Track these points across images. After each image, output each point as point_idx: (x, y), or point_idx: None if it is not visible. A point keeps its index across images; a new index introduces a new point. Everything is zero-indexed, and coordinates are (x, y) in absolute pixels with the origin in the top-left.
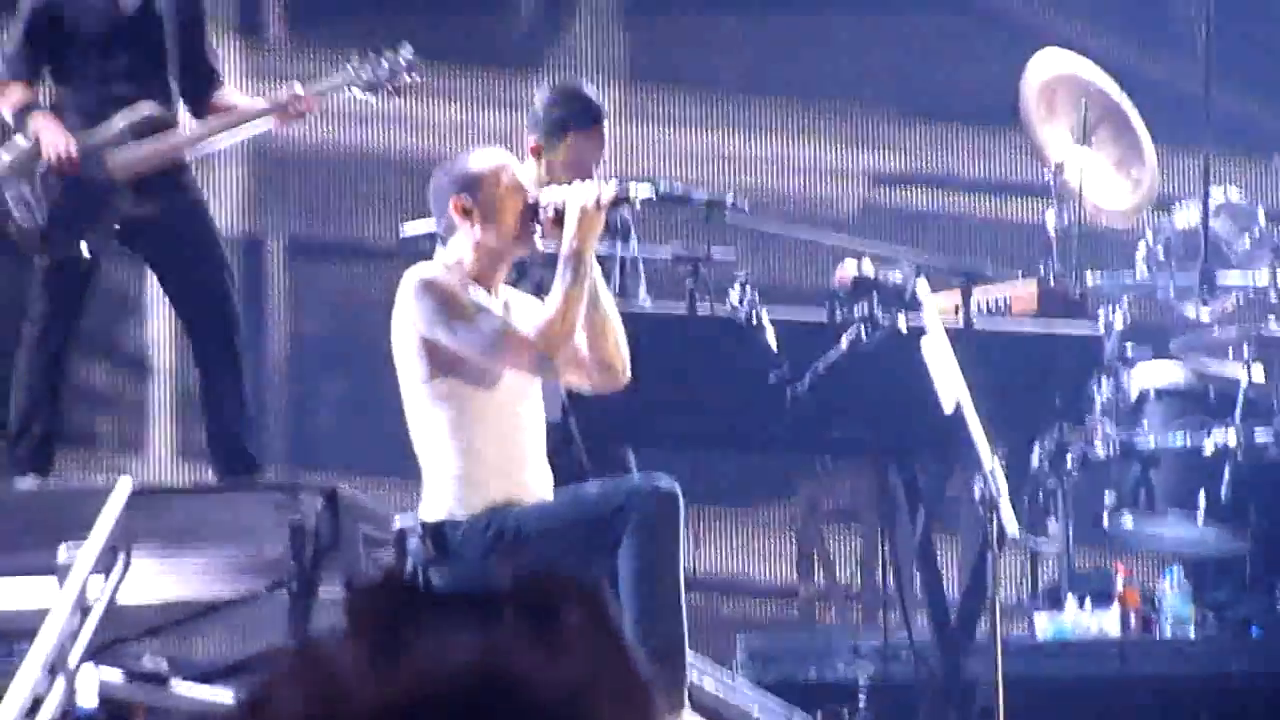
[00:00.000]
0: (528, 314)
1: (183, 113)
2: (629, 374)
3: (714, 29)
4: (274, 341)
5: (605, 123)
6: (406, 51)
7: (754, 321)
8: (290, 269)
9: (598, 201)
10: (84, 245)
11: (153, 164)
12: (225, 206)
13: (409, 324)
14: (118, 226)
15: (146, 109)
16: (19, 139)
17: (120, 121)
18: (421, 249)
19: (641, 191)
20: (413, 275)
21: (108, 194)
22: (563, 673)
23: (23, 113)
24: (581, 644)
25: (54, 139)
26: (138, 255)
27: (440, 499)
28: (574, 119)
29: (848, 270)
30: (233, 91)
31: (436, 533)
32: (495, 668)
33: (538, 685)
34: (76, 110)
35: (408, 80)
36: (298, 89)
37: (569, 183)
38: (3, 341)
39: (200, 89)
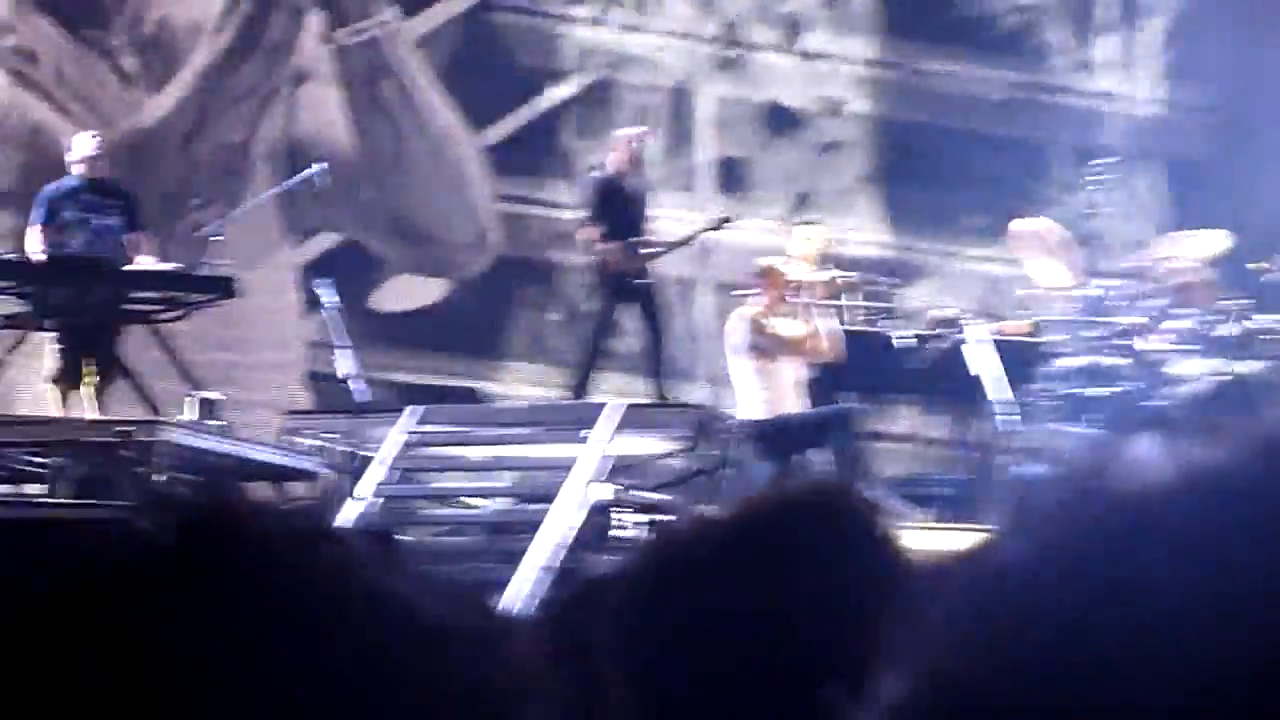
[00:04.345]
0: (799, 326)
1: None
2: (840, 356)
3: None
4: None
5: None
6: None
7: (897, 335)
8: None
9: (824, 282)
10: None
11: (643, 262)
12: None
13: (745, 323)
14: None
15: (643, 243)
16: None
17: (637, 248)
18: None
19: (843, 274)
20: (747, 308)
21: (636, 277)
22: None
23: (592, 241)
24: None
25: (615, 255)
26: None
27: (750, 412)
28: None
29: (933, 314)
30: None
31: (750, 430)
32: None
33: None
34: (612, 237)
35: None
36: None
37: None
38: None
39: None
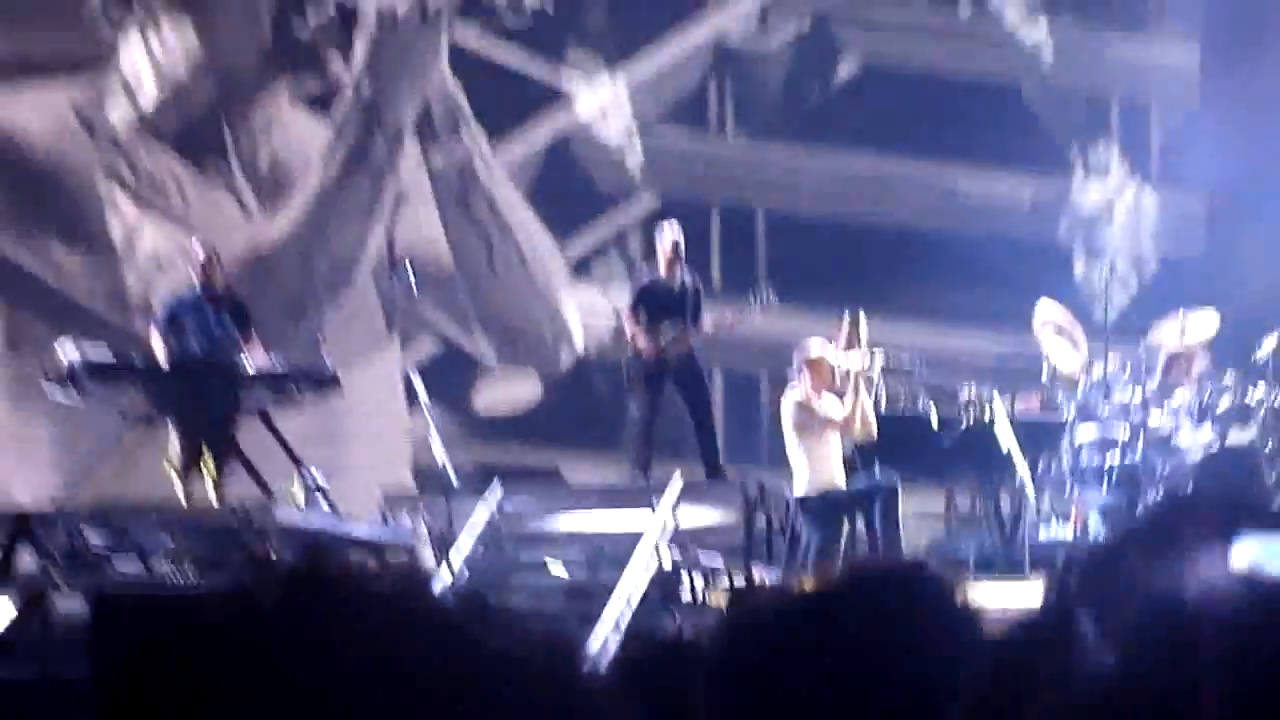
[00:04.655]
0: (841, 406)
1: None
2: (875, 434)
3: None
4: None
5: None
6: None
7: (928, 415)
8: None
9: (862, 368)
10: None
11: (684, 347)
12: None
13: (792, 405)
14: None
15: (679, 329)
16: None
17: (671, 333)
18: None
19: (880, 361)
20: (794, 392)
21: (670, 358)
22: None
23: (634, 336)
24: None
25: (646, 343)
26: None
27: (800, 485)
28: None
29: (964, 394)
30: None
31: (801, 501)
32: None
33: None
34: (649, 326)
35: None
36: (727, 316)
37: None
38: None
39: (698, 318)
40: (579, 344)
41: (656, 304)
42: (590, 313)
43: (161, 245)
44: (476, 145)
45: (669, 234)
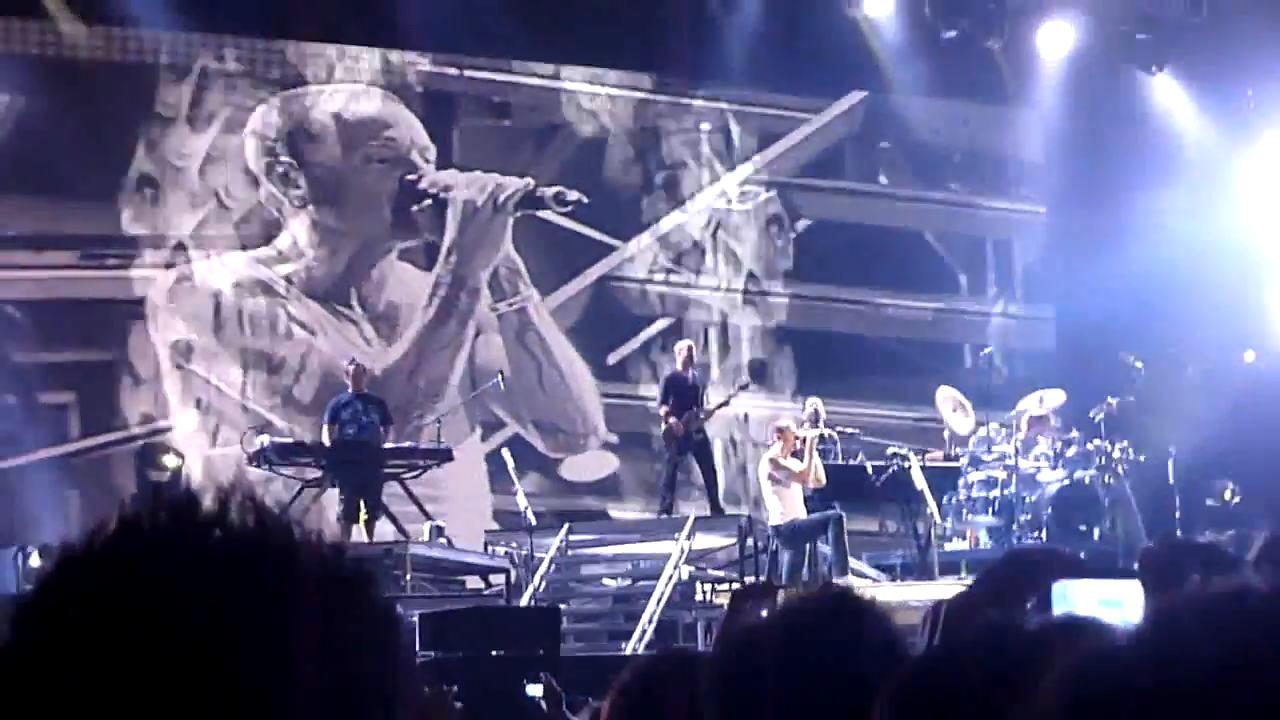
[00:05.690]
0: (800, 463)
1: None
2: (825, 481)
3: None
4: None
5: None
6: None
7: (864, 465)
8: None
9: (818, 437)
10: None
11: (699, 423)
12: None
13: (767, 462)
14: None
15: (695, 410)
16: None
17: (700, 415)
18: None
19: (827, 432)
20: (770, 452)
21: (695, 434)
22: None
23: (668, 416)
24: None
25: (678, 425)
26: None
27: (774, 518)
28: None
29: (889, 451)
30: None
31: (775, 529)
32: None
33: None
34: (676, 409)
35: (746, 393)
36: (720, 401)
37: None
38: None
39: (703, 401)
40: (603, 437)
41: (679, 392)
42: (624, 401)
43: (328, 366)
44: (530, 296)
45: (684, 344)
